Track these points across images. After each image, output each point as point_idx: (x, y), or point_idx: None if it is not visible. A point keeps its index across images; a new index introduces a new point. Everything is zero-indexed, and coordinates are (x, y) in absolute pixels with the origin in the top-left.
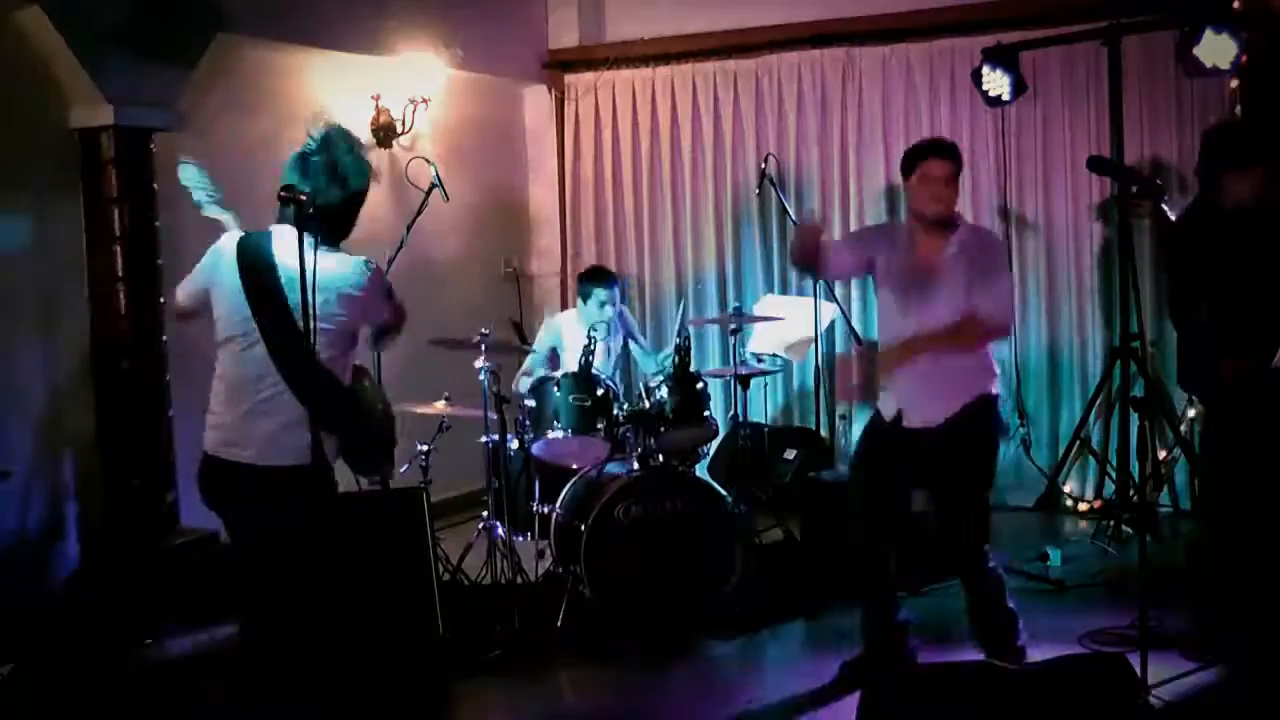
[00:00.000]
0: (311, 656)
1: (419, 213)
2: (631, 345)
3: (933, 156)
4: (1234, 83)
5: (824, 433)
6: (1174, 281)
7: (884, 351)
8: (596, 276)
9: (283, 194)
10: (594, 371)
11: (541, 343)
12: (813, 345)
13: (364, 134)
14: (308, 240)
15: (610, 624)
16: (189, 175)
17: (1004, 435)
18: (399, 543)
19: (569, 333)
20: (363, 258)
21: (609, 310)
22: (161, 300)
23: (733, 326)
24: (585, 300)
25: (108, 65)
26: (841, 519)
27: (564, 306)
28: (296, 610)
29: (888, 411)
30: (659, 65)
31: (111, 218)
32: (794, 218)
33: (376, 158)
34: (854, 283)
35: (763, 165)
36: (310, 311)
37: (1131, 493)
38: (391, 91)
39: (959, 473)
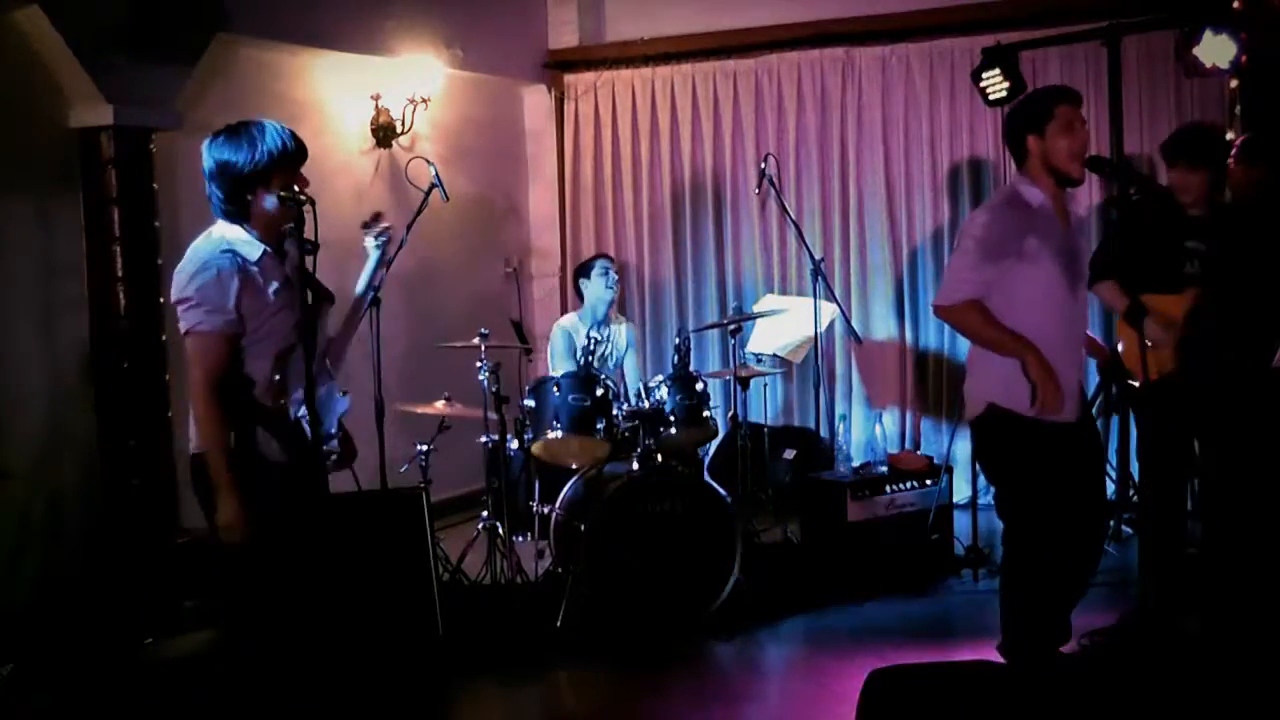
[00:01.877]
0: (311, 656)
1: (419, 213)
2: (626, 362)
3: (1068, 101)
4: (1234, 83)
5: (823, 433)
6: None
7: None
8: (595, 257)
9: (282, 194)
10: (594, 371)
11: (560, 353)
12: (812, 346)
13: (364, 134)
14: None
15: (610, 624)
16: None
17: None
18: (399, 543)
19: (580, 333)
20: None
21: (614, 279)
22: (161, 300)
23: (732, 327)
24: (589, 278)
25: (108, 65)
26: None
27: (564, 306)
28: (296, 610)
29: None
30: (659, 65)
31: (111, 218)
32: (793, 217)
33: (376, 158)
34: (853, 282)
35: (762, 165)
36: (310, 304)
37: (1131, 493)
38: (391, 91)
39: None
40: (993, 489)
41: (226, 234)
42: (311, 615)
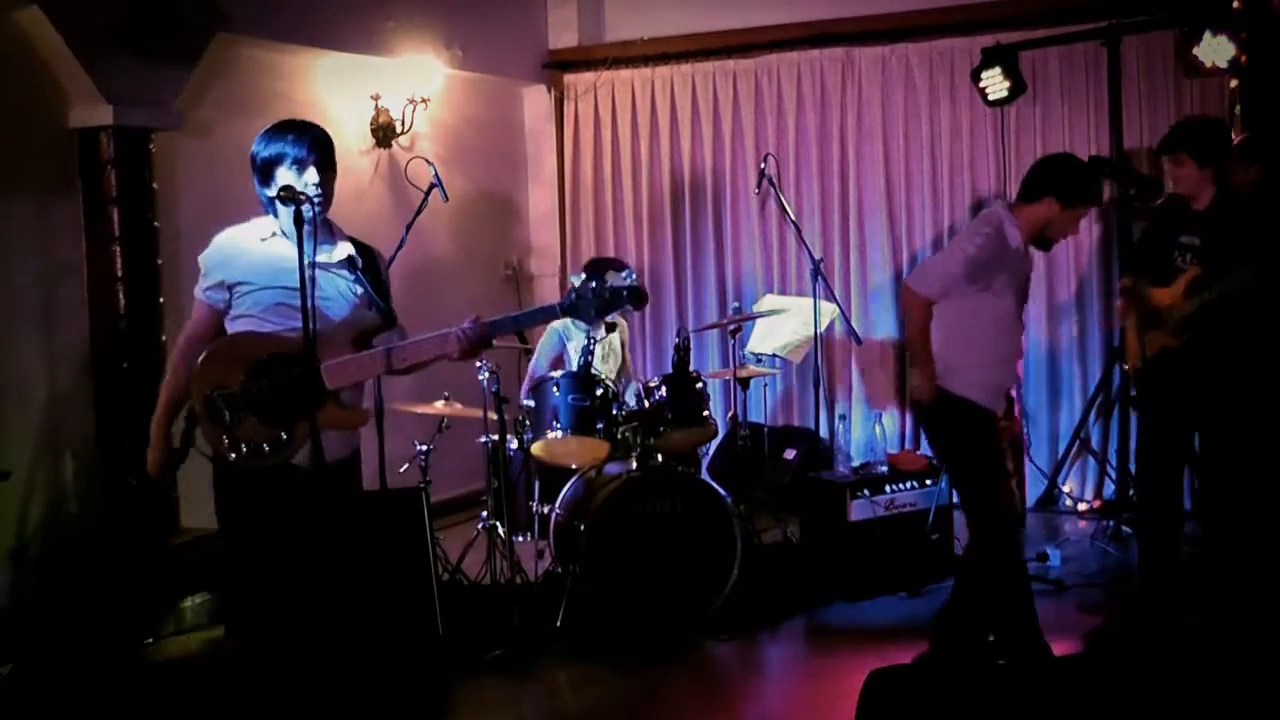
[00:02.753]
0: (311, 656)
1: (418, 213)
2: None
3: (1097, 203)
4: (1234, 83)
5: (823, 433)
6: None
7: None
8: (615, 265)
9: (282, 193)
10: (593, 371)
11: (545, 354)
12: (812, 346)
13: (364, 134)
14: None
15: (609, 624)
16: None
17: None
18: (399, 543)
19: (572, 336)
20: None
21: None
22: (161, 300)
23: (732, 327)
24: None
25: (108, 65)
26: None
27: None
28: (296, 610)
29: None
30: (659, 65)
31: (111, 218)
32: (793, 217)
33: (376, 158)
34: (853, 283)
35: (762, 165)
36: (309, 308)
37: (1131, 493)
38: (391, 91)
39: None
40: (957, 491)
41: (254, 219)
42: (311, 614)
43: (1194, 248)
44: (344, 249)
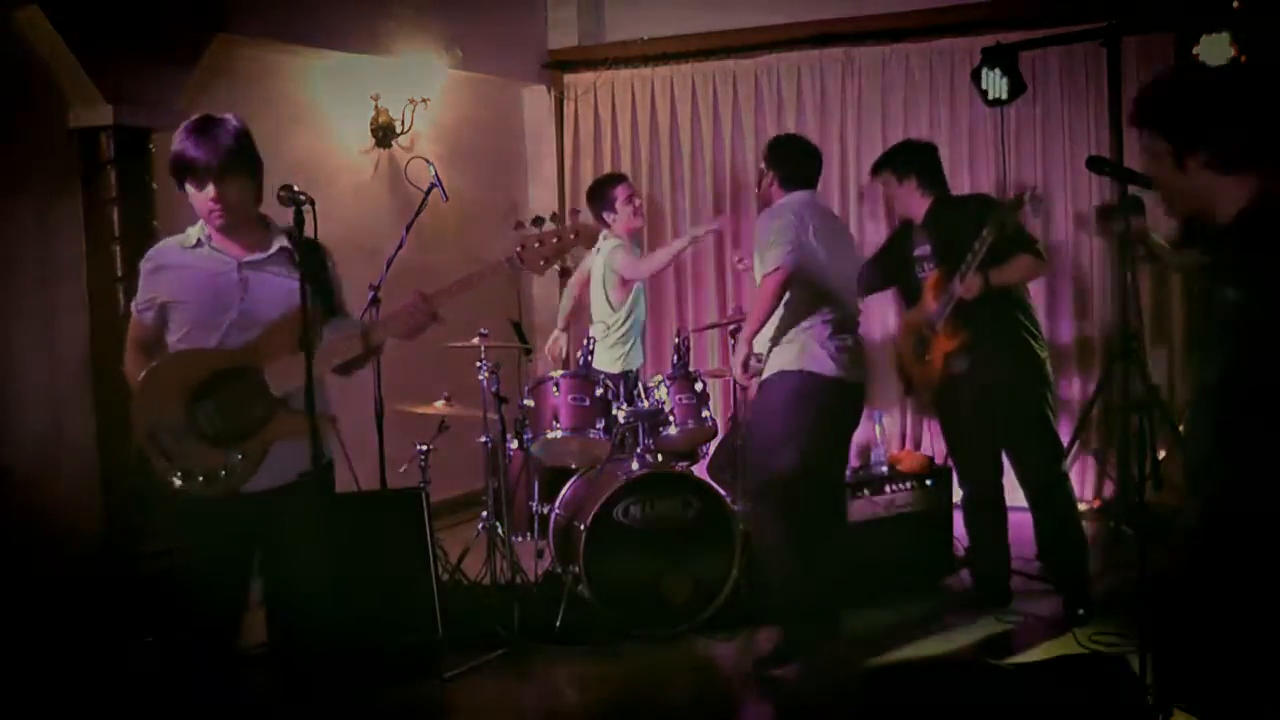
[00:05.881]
0: (311, 656)
1: (418, 213)
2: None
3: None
4: None
5: None
6: None
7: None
8: (607, 179)
9: (282, 194)
10: (593, 371)
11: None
12: None
13: (364, 134)
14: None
15: (610, 624)
16: None
17: None
18: (399, 543)
19: (616, 258)
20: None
21: (638, 202)
22: None
23: (732, 327)
24: (614, 210)
25: (107, 65)
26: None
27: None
28: (296, 609)
29: None
30: (659, 65)
31: (110, 217)
32: None
33: (376, 158)
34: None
35: (762, 165)
36: (307, 308)
37: (1131, 493)
38: (391, 91)
39: None
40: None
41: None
42: (311, 614)
43: (928, 256)
44: (277, 243)
